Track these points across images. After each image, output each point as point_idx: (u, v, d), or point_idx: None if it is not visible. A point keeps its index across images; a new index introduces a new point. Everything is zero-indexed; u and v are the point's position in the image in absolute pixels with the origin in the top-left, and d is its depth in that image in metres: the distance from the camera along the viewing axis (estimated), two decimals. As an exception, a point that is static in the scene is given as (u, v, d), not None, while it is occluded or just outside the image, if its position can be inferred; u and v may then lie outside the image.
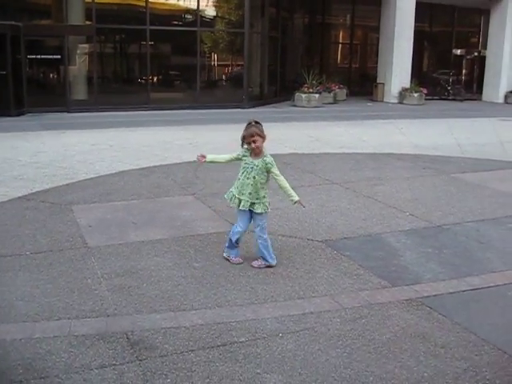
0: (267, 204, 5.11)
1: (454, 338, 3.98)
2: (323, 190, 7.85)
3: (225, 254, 5.31)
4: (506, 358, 3.76)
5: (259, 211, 5.07)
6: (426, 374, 3.54)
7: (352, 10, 29.33)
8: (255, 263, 5.18)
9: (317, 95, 21.24)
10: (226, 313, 4.26)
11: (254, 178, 5.01)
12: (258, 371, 3.51)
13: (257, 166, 5.01)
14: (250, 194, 5.03)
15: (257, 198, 5.04)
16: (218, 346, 3.79)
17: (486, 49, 28.36)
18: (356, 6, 29.01)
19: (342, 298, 4.53)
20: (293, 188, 5.23)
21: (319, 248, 5.62)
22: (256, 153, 5.03)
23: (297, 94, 21.44)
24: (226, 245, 5.29)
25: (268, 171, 5.04)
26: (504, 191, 8.09)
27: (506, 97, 26.63)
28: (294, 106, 21.08)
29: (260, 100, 21.70)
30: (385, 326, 4.11)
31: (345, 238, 5.95)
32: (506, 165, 10.12)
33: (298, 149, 11.10)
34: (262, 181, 5.04)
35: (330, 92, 22.74)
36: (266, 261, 5.14)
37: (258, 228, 5.13)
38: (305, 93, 21.21)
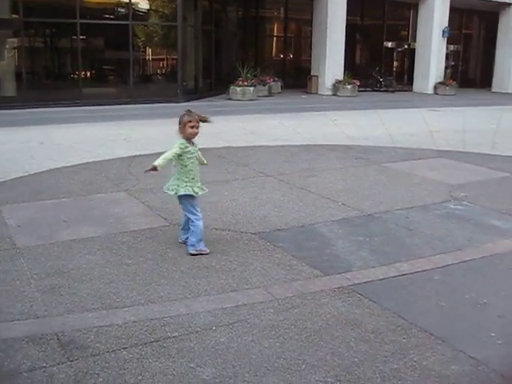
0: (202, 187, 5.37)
1: (384, 323, 4.09)
2: (257, 183, 7.90)
3: (194, 251, 5.26)
4: (433, 339, 3.90)
5: (200, 193, 5.32)
6: (356, 359, 3.63)
7: (285, 3, 29.52)
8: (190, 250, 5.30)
9: (251, 88, 21.30)
10: (159, 308, 4.23)
11: (195, 163, 5.26)
12: (192, 365, 3.50)
13: (196, 151, 5.27)
14: (193, 179, 5.25)
15: (198, 182, 5.31)
16: (151, 342, 3.76)
17: (415, 41, 29.11)
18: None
19: (275, 289, 4.58)
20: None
21: (253, 240, 5.65)
22: (193, 139, 5.23)
23: (232, 87, 21.44)
24: (194, 240, 5.26)
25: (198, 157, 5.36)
26: (432, 179, 8.35)
27: (435, 88, 27.43)
28: (230, 99, 21.08)
29: (195, 94, 21.59)
30: (317, 315, 4.18)
31: (278, 229, 6.01)
32: (435, 153, 10.45)
33: (232, 142, 11.12)
34: (198, 166, 5.32)
35: (264, 85, 22.84)
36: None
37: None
38: (239, 86, 21.24)
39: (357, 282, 4.75)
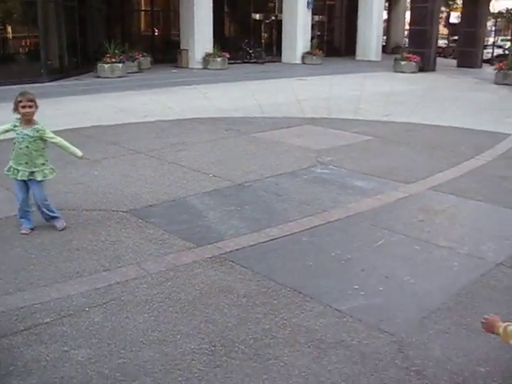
0: (47, 171, 5.21)
1: (255, 287, 4.23)
2: (128, 161, 7.77)
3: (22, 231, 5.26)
4: (302, 297, 4.10)
5: (39, 179, 5.15)
6: (229, 324, 3.74)
7: (150, -23, 28.84)
8: (59, 225, 5.29)
9: (120, 65, 20.71)
10: (28, 296, 4.09)
11: (27, 147, 5.08)
12: (65, 349, 3.45)
13: (27, 135, 5.06)
14: (26, 163, 5.09)
15: (35, 167, 5.12)
16: (22, 330, 3.64)
17: (282, 13, 29.59)
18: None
19: (148, 265, 4.58)
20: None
21: (124, 218, 5.59)
22: (28, 120, 5.07)
23: (99, 64, 20.72)
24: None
25: (42, 138, 5.13)
26: (300, 145, 8.64)
27: (303, 58, 28.11)
28: (98, 77, 20.39)
29: (60, 73, 20.63)
30: (190, 285, 4.24)
31: (150, 205, 5.98)
32: (302, 121, 10.79)
33: (101, 121, 10.81)
34: (35, 149, 5.10)
35: (133, 61, 22.28)
36: (56, 218, 5.31)
37: (42, 196, 5.22)
38: (107, 63, 20.57)
39: (228, 250, 4.86)
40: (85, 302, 4.00)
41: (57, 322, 3.74)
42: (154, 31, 30.52)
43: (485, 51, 31.43)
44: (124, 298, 4.05)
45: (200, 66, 24.30)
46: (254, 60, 28.04)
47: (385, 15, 36.08)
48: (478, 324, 3.22)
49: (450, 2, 46.26)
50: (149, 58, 24.05)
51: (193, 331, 3.65)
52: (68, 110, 11.55)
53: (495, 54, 32.61)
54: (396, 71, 23.40)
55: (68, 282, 4.29)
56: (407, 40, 30.93)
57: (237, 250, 4.88)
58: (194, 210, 5.86)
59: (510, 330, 2.45)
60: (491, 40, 37.50)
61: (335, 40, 37.30)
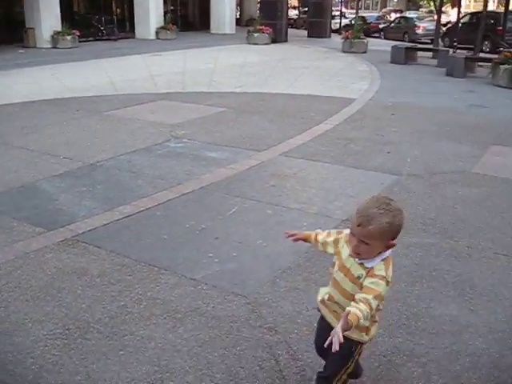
0: None
1: (109, 266, 4.18)
2: (-31, 149, 7.29)
3: None
4: (156, 270, 4.11)
5: None
6: (84, 305, 3.67)
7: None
8: None
9: (-42, 47, 19.25)
10: None
11: None
12: None
13: None
14: None
15: None
16: None
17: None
18: None
19: (-5, 255, 4.36)
20: None
21: (-34, 210, 5.26)
22: None
23: None
24: None
25: None
26: (154, 121, 8.56)
27: (157, 33, 27.66)
28: None
29: None
30: (41, 271, 4.10)
31: (-4, 193, 5.68)
32: (156, 97, 10.67)
33: None
34: None
35: (-27, 42, 20.79)
36: None
37: None
38: None
39: (81, 231, 4.74)
40: None
41: None
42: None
43: (333, 21, 32.77)
44: (-32, 292, 3.84)
45: (49, 46, 23.12)
46: (107, 37, 27.16)
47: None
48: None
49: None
50: (-9, 39, 22.51)
51: (45, 317, 3.54)
52: None
53: (343, 24, 34.07)
54: (250, 43, 23.74)
55: None
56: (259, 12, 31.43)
57: (89, 230, 4.77)
58: (44, 194, 5.64)
59: (320, 239, 2.68)
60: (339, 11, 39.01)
61: (189, 14, 37.02)
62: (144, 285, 3.92)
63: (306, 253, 4.41)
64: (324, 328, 2.61)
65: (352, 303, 2.27)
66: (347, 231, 2.47)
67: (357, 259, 2.38)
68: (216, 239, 4.64)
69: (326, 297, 2.61)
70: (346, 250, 2.46)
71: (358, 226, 2.26)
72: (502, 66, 12.91)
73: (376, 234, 2.25)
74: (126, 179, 6.00)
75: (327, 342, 2.13)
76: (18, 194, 5.63)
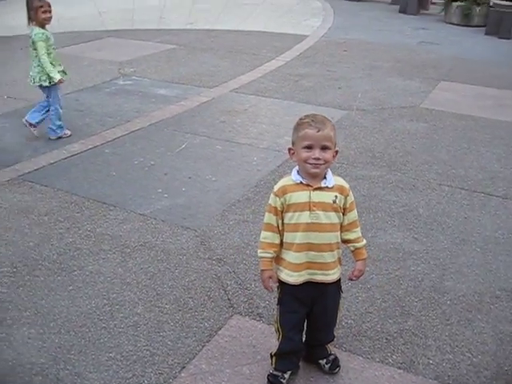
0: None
1: (57, 203, 4.14)
2: None
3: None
4: (105, 207, 4.10)
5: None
6: (31, 243, 3.65)
7: None
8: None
9: None
10: None
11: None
12: None
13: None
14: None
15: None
16: None
17: None
18: None
19: None
20: None
21: None
22: (47, 25, 5.08)
23: None
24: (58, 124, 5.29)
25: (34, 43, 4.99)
26: (102, 59, 8.30)
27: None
28: None
29: None
30: (-14, 212, 4.03)
31: None
32: (104, 34, 10.28)
33: None
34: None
35: None
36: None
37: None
38: None
39: (27, 171, 4.65)
40: None
41: None
42: None
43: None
44: None
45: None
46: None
47: None
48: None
49: None
50: None
51: (-10, 258, 3.51)
52: None
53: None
54: (201, -21, 23.03)
55: None
56: None
57: (36, 169, 4.69)
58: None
59: (276, 239, 2.43)
60: None
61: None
62: (93, 221, 3.90)
63: (255, 186, 4.45)
64: (299, 305, 2.45)
65: (347, 235, 2.44)
66: (274, 190, 2.38)
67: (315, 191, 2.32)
68: (165, 175, 4.62)
69: (304, 254, 2.36)
70: (296, 196, 2.33)
71: (318, 131, 2.25)
72: (454, 3, 12.88)
73: (333, 134, 2.30)
74: (73, 118, 5.85)
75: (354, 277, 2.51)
76: (-42, 136, 5.46)
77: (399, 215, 4.12)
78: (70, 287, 3.23)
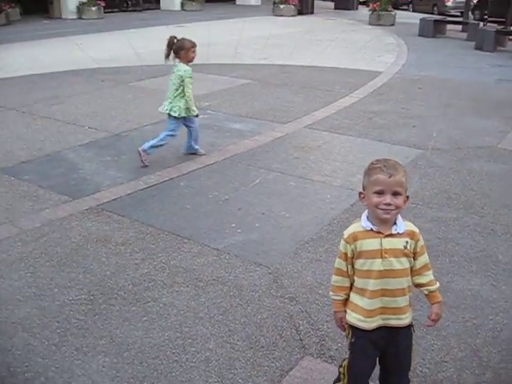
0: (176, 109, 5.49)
1: (133, 234, 4.24)
2: (-4, 118, 7.38)
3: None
4: (180, 239, 4.16)
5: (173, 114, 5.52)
6: (108, 272, 3.74)
7: None
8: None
9: (-15, 17, 19.37)
10: None
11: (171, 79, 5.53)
12: None
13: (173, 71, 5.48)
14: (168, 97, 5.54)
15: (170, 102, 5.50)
16: None
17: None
18: None
19: (21, 222, 4.44)
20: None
21: (-5, 177, 5.35)
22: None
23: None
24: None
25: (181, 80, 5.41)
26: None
27: (182, 4, 27.48)
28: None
29: None
30: (67, 239, 4.17)
31: (23, 162, 5.76)
32: (181, 68, 10.61)
33: (-34, 77, 10.12)
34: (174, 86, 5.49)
35: (0, 12, 20.87)
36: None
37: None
38: (-29, 16, 19.17)
39: (105, 200, 4.80)
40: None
41: None
42: (21, -21, 28.55)
43: (360, -7, 32.16)
44: (-3, 257, 3.93)
45: (74, 16, 23.14)
46: (132, 8, 27.05)
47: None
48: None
49: None
50: (18, 9, 22.58)
51: (71, 283, 3.62)
52: None
53: (370, -4, 33.45)
54: (275, 15, 23.47)
55: None
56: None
57: (114, 199, 4.83)
58: (70, 163, 5.70)
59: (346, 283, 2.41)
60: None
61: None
62: (167, 253, 3.97)
63: (328, 224, 4.42)
64: (373, 349, 2.39)
65: (418, 278, 2.37)
66: (344, 237, 2.34)
67: (387, 237, 2.28)
68: (239, 210, 4.66)
69: (378, 300, 2.31)
70: (367, 243, 2.29)
71: (390, 177, 2.22)
72: (533, 40, 12.62)
73: (404, 179, 2.25)
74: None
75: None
76: (44, 163, 5.71)
77: (476, 260, 3.99)
78: (144, 318, 3.28)
